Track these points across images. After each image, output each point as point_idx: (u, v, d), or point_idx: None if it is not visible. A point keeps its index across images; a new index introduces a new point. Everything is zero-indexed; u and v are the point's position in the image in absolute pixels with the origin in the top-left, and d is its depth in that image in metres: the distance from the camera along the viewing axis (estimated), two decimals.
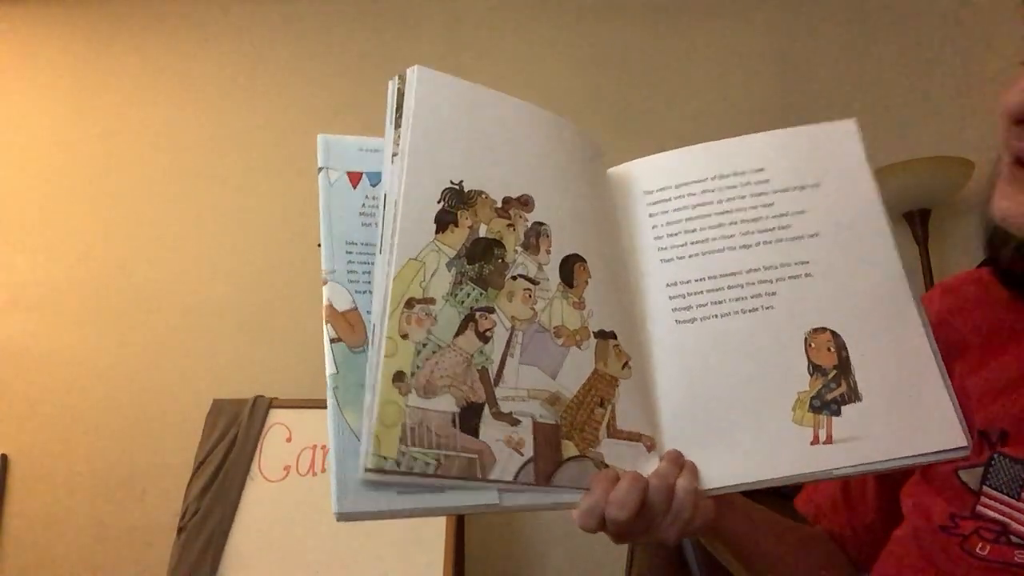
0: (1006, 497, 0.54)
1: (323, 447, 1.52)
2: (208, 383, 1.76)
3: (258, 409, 1.60)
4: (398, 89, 0.56)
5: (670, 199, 0.60)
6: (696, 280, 0.57)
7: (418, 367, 0.49)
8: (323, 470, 1.50)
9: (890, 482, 0.65)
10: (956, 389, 0.55)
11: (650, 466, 0.53)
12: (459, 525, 1.43)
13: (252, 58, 2.04)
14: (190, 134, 2.00)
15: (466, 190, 0.54)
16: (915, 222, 1.69)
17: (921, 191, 1.65)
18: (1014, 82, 0.51)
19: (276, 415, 1.59)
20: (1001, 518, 0.53)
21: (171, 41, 2.06)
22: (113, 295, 1.89)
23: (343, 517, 0.45)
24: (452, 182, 0.54)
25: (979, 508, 0.54)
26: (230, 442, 1.56)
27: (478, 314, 0.52)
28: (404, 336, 0.49)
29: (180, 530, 1.48)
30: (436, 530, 1.41)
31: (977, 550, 0.53)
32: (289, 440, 1.55)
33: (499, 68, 2.00)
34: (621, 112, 1.95)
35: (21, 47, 2.07)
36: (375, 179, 0.57)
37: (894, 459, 0.51)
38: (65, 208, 1.95)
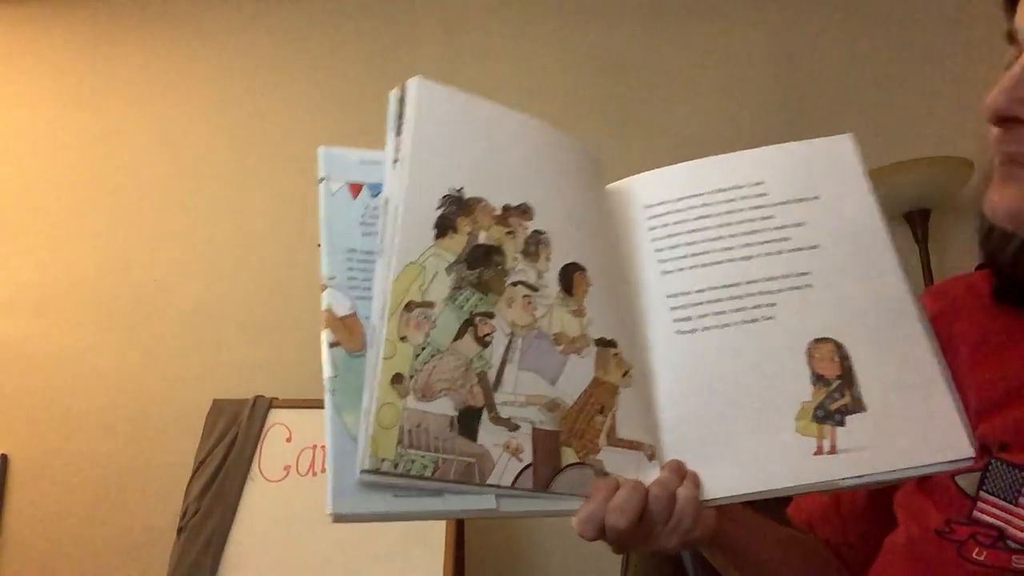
0: (1003, 502, 0.53)
1: (323, 447, 1.51)
2: (208, 383, 1.76)
3: (258, 409, 1.60)
4: (399, 98, 0.57)
5: (670, 212, 0.61)
6: (697, 291, 0.57)
7: (417, 370, 0.49)
8: (323, 470, 1.49)
9: (882, 489, 0.65)
10: None
11: (651, 475, 0.52)
12: (459, 525, 1.43)
13: (252, 58, 2.04)
14: (190, 134, 1.99)
15: (466, 197, 0.55)
16: (915, 222, 1.69)
17: (921, 191, 1.65)
18: (995, 84, 0.52)
19: (276, 415, 1.59)
20: (998, 523, 0.53)
21: (171, 41, 2.06)
22: (113, 295, 1.89)
23: (339, 518, 0.45)
24: (452, 189, 0.54)
25: (975, 513, 0.54)
26: (230, 442, 1.56)
27: (477, 319, 0.52)
28: (403, 339, 0.49)
29: (180, 530, 1.48)
30: (436, 530, 1.40)
31: (973, 555, 0.53)
32: (289, 440, 1.55)
33: (498, 68, 2.00)
34: (621, 112, 1.95)
35: (21, 47, 2.07)
36: (376, 190, 0.57)
37: (899, 469, 0.51)
38: (65, 208, 1.95)
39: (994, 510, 0.54)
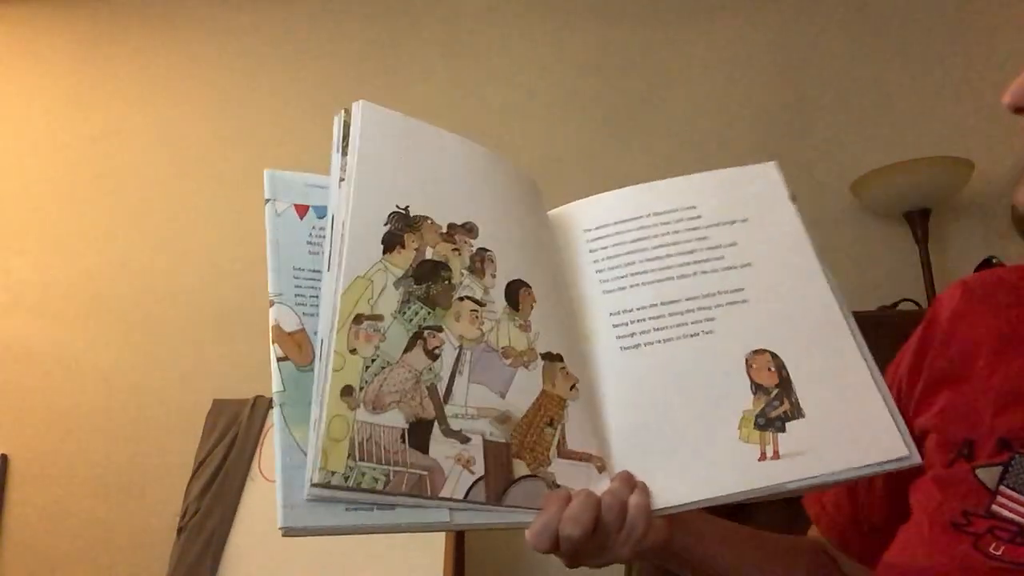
0: (1023, 498, 0.54)
1: None
2: (208, 383, 1.76)
3: (258, 409, 1.60)
4: (344, 121, 0.58)
5: (609, 235, 0.64)
6: (638, 308, 0.60)
7: (367, 382, 0.49)
8: None
9: (898, 480, 0.65)
10: (971, 390, 0.55)
11: (601, 486, 0.53)
12: None
13: (252, 58, 2.04)
14: (190, 134, 2.00)
15: (412, 214, 0.56)
16: (915, 222, 1.68)
17: (921, 191, 1.65)
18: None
19: None
20: (1018, 518, 0.53)
21: (171, 41, 2.06)
22: (113, 295, 1.89)
23: (288, 532, 0.45)
24: (398, 206, 0.55)
25: (994, 507, 0.54)
26: (230, 442, 1.56)
27: (426, 332, 0.52)
28: (352, 351, 0.49)
29: (180, 530, 1.49)
30: None
31: (991, 549, 0.53)
32: None
33: (498, 68, 2.00)
34: (621, 112, 1.95)
35: (21, 47, 2.07)
36: (321, 212, 0.58)
37: (841, 471, 0.53)
38: (65, 208, 1.95)
39: (1014, 505, 0.53)
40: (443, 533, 1.39)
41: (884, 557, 0.61)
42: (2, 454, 1.79)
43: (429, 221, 0.56)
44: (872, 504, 0.69)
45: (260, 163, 2.15)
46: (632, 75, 1.98)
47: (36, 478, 1.78)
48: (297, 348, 0.52)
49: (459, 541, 1.42)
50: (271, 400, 1.69)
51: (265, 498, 1.49)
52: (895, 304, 1.64)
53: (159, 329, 1.86)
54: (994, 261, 1.55)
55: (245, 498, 1.49)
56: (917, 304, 1.64)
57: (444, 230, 0.57)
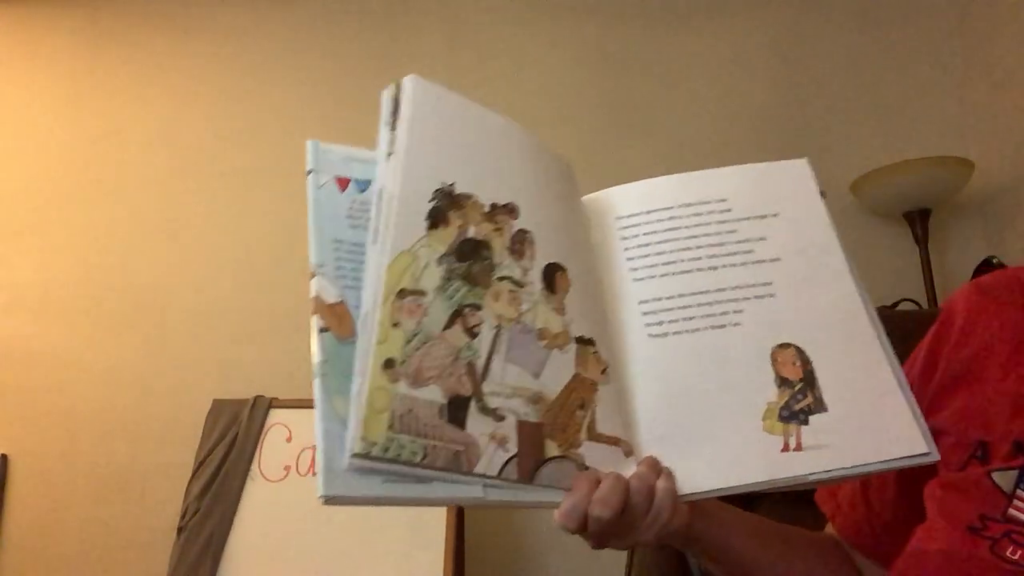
0: None
1: None
2: (208, 383, 1.76)
3: (258, 409, 1.60)
4: (393, 96, 0.58)
5: (640, 224, 0.64)
6: (667, 298, 0.61)
7: (408, 356, 0.49)
8: None
9: (911, 480, 0.65)
10: (985, 391, 0.56)
11: (628, 470, 0.54)
12: (459, 524, 1.43)
13: (252, 58, 2.04)
14: (190, 134, 2.00)
15: (456, 192, 0.56)
16: (915, 222, 1.69)
17: (921, 191, 1.65)
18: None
19: (276, 415, 1.59)
20: None
21: (171, 41, 2.06)
22: (113, 295, 1.89)
23: (330, 500, 0.46)
24: (444, 183, 0.56)
25: (1011, 511, 0.54)
26: (230, 442, 1.56)
27: (466, 310, 0.53)
28: (395, 324, 0.50)
29: (180, 530, 1.49)
30: (436, 529, 1.41)
31: (1007, 554, 0.53)
32: (289, 440, 1.55)
33: (499, 68, 2.00)
34: (621, 112, 1.95)
35: (21, 47, 2.07)
36: (363, 186, 0.58)
37: (861, 464, 0.54)
38: (65, 208, 1.96)
39: None
40: (443, 533, 1.39)
41: (897, 564, 0.61)
42: (2, 454, 1.79)
43: (473, 199, 0.57)
44: (885, 504, 0.70)
45: (260, 163, 2.15)
46: (632, 75, 1.98)
47: (36, 478, 1.78)
48: (337, 320, 0.52)
49: (459, 540, 1.42)
50: (271, 400, 1.69)
51: (265, 498, 1.49)
52: (895, 304, 1.64)
53: (159, 329, 1.86)
54: (994, 261, 1.55)
55: (245, 498, 1.49)
56: (917, 304, 1.64)
57: (487, 209, 0.57)
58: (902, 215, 1.71)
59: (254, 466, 1.52)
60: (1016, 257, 1.61)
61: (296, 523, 1.45)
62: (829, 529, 0.76)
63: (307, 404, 1.58)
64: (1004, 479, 0.55)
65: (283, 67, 2.03)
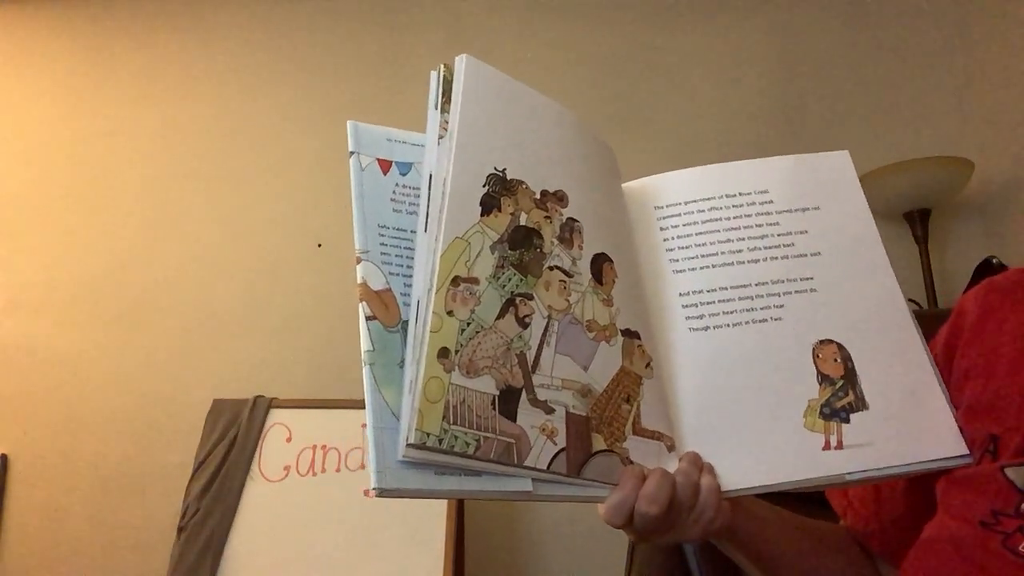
0: None
1: (323, 447, 1.52)
2: (208, 383, 1.76)
3: (258, 409, 1.60)
4: (443, 77, 0.56)
5: (680, 214, 0.63)
6: (707, 291, 0.60)
7: (462, 345, 0.48)
8: (323, 470, 1.50)
9: (922, 476, 0.65)
10: (996, 387, 0.56)
11: (670, 466, 0.53)
12: (459, 524, 1.43)
13: (252, 58, 2.04)
14: (190, 133, 2.00)
15: (509, 178, 0.55)
16: (915, 222, 1.69)
17: (921, 191, 1.65)
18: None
19: (276, 415, 1.59)
20: None
21: (172, 40, 2.06)
22: (113, 295, 1.89)
23: (384, 493, 0.45)
24: (496, 169, 0.54)
25: (1023, 507, 0.54)
26: (230, 442, 1.56)
27: (518, 299, 0.52)
28: (450, 313, 0.48)
29: (180, 530, 1.48)
30: (436, 529, 1.40)
31: (1020, 548, 0.52)
32: (289, 440, 1.55)
33: (499, 68, 1.99)
34: (621, 112, 1.95)
35: (21, 47, 2.07)
36: (404, 169, 0.57)
37: (902, 465, 0.54)
38: (65, 208, 1.95)
39: None
40: (443, 533, 1.39)
41: (908, 560, 0.61)
42: (2, 454, 1.79)
43: (524, 186, 0.55)
44: (894, 499, 0.69)
45: (260, 163, 2.15)
46: (632, 75, 1.98)
47: (36, 478, 1.78)
48: (384, 308, 0.51)
49: (459, 540, 1.42)
50: (271, 400, 1.68)
51: (265, 498, 1.49)
52: None
53: (159, 329, 1.86)
54: (994, 261, 1.55)
55: (245, 498, 1.49)
56: (917, 304, 1.64)
57: (538, 196, 0.56)
58: (902, 215, 1.71)
59: (254, 466, 1.52)
60: (1016, 257, 1.61)
61: (296, 523, 1.45)
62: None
63: (307, 404, 1.58)
64: (1017, 475, 0.55)
65: (283, 67, 2.03)
